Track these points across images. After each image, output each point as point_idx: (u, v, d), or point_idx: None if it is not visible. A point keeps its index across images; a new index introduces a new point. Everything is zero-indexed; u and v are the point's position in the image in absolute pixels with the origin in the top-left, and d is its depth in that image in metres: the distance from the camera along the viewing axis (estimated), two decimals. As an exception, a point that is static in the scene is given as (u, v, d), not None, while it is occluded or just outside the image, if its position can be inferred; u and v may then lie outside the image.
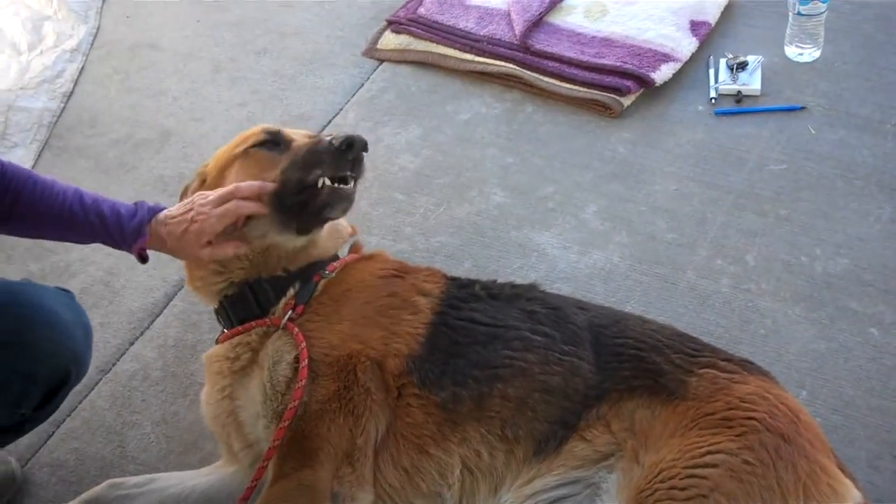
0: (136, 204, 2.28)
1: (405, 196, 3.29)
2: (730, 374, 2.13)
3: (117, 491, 2.39)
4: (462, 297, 2.34)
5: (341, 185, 2.27)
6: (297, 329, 2.25)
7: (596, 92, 3.52)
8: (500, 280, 2.46)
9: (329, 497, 2.13)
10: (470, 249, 3.06)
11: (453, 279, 2.43)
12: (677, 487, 1.95)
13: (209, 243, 2.23)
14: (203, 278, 2.40)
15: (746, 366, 2.19)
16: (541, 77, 3.60)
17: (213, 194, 2.23)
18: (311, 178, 2.25)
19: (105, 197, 2.28)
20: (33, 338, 2.05)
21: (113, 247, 2.28)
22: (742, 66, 3.57)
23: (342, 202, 2.29)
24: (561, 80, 3.58)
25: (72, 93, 3.90)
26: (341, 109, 3.67)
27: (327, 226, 2.39)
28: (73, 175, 3.47)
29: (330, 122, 3.61)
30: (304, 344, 2.22)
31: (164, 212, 2.25)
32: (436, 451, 2.17)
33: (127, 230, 2.22)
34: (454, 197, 3.26)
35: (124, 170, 3.51)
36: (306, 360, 2.20)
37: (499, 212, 3.19)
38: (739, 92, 3.51)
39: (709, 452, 1.97)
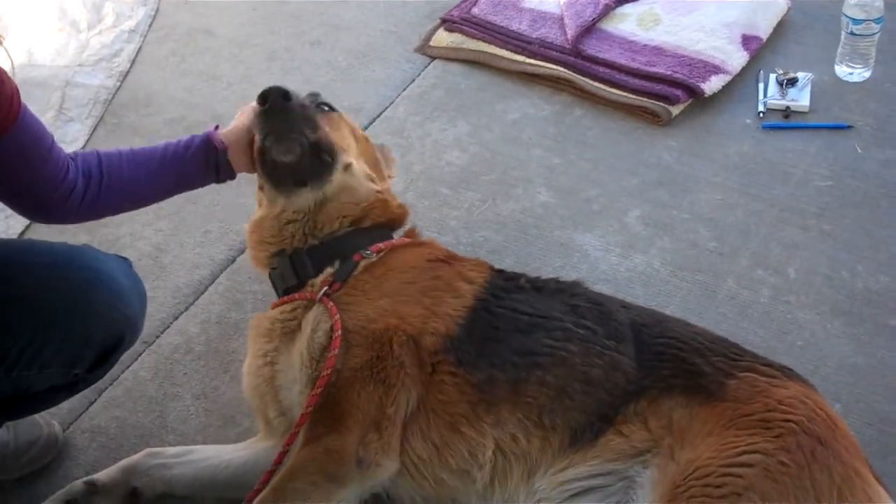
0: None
1: (451, 191, 3.33)
2: (769, 378, 2.15)
3: (155, 460, 2.44)
4: (506, 287, 2.39)
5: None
6: (331, 302, 2.32)
7: (645, 99, 3.54)
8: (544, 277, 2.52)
9: (354, 462, 2.17)
10: (513, 246, 3.10)
11: (499, 271, 2.47)
12: (712, 485, 1.97)
13: None
14: (252, 249, 2.57)
15: (786, 372, 2.21)
16: (591, 82, 3.63)
17: None
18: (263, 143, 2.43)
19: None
20: (93, 300, 2.11)
21: (194, 168, 2.45)
22: (792, 82, 3.59)
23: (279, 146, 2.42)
24: (611, 86, 3.61)
25: (128, 72, 3.96)
26: (392, 103, 3.71)
27: (339, 183, 2.47)
28: (126, 152, 3.54)
29: (380, 114, 3.66)
30: (337, 315, 2.28)
31: None
32: (468, 431, 2.20)
33: (199, 135, 2.47)
34: (499, 194, 3.30)
35: (176, 150, 3.57)
36: (339, 331, 2.26)
37: (543, 211, 3.22)
38: (788, 108, 3.52)
39: (745, 452, 2.00)
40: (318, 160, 2.45)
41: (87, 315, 2.10)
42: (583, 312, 2.30)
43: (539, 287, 2.40)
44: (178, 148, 2.43)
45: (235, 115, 2.61)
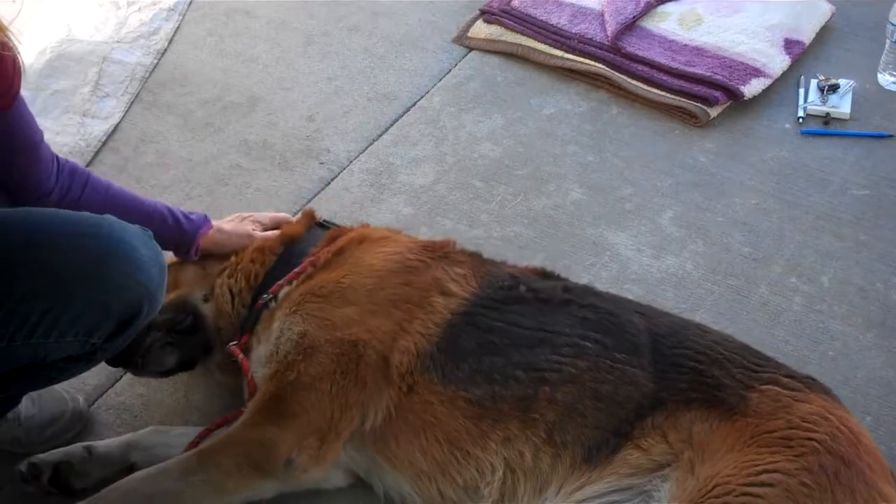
0: (184, 211, 2.58)
1: (483, 184, 3.31)
2: (792, 392, 2.11)
3: (159, 438, 2.45)
4: (500, 298, 2.34)
5: None
6: (240, 354, 2.41)
7: (683, 100, 3.51)
8: (571, 276, 2.52)
9: (283, 461, 2.21)
10: (543, 242, 3.08)
11: (491, 278, 2.40)
12: None
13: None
14: None
15: (810, 384, 2.17)
16: (629, 80, 3.60)
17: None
18: None
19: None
20: (113, 270, 2.10)
21: (171, 240, 2.52)
22: (833, 88, 3.55)
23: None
24: (649, 85, 3.57)
25: (166, 50, 3.96)
26: (427, 93, 3.70)
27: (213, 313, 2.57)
28: (160, 130, 3.54)
29: (415, 104, 3.64)
30: (245, 361, 2.38)
31: (216, 225, 2.64)
32: (473, 448, 2.20)
33: (193, 218, 2.55)
34: (532, 189, 3.28)
35: (211, 130, 3.57)
36: (250, 374, 2.35)
37: (575, 208, 3.20)
38: (828, 114, 3.48)
39: (766, 471, 1.97)
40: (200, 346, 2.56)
41: (106, 284, 2.10)
42: (592, 325, 2.26)
43: (544, 298, 2.34)
44: (163, 222, 2.49)
45: (236, 220, 2.75)
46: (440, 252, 2.48)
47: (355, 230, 2.60)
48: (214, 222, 2.62)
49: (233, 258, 2.59)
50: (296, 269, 2.48)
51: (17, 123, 2.21)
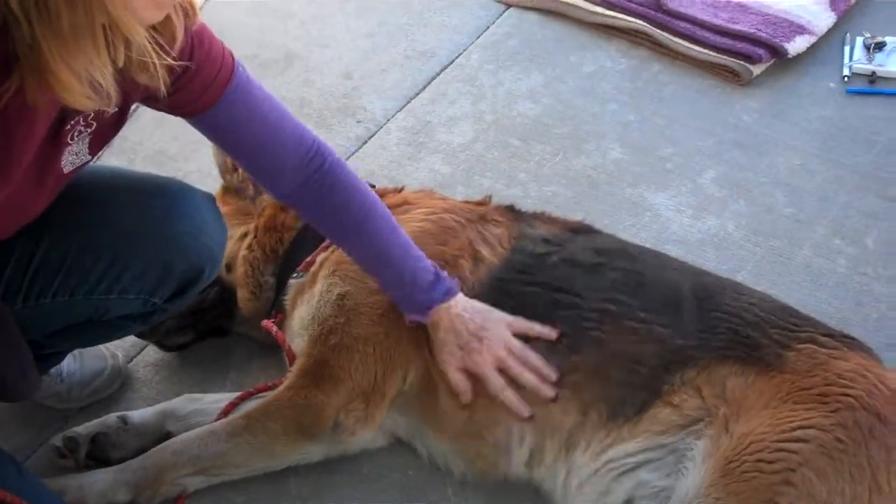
0: (436, 272, 2.23)
1: (521, 142, 3.27)
2: (830, 350, 2.10)
3: (193, 405, 2.45)
4: (529, 264, 2.32)
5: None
6: (275, 328, 2.40)
7: (726, 57, 3.45)
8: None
9: (331, 424, 2.24)
10: (582, 202, 3.04)
11: (523, 242, 2.36)
12: (765, 461, 1.94)
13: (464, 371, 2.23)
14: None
15: (848, 342, 2.16)
16: (671, 37, 3.54)
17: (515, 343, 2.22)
18: None
19: (411, 245, 2.23)
20: (177, 230, 2.10)
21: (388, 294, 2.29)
22: (879, 46, 3.48)
23: None
24: (691, 42, 3.51)
25: (201, 7, 3.92)
26: (465, 50, 3.66)
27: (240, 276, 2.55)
28: (197, 87, 3.52)
29: (453, 62, 3.61)
30: (282, 336, 2.39)
31: (459, 302, 2.24)
32: (497, 411, 2.20)
33: (416, 300, 2.22)
34: (571, 148, 3.24)
35: (247, 87, 3.55)
36: (287, 346, 2.37)
37: (615, 167, 3.16)
38: (874, 73, 3.41)
39: (801, 427, 1.96)
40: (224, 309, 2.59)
41: (169, 243, 2.10)
42: (620, 287, 2.23)
43: (575, 264, 2.30)
44: (421, 275, 2.21)
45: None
46: (477, 213, 2.45)
47: (395, 195, 2.55)
48: (458, 303, 2.23)
49: (252, 225, 2.56)
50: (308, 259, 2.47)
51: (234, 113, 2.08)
